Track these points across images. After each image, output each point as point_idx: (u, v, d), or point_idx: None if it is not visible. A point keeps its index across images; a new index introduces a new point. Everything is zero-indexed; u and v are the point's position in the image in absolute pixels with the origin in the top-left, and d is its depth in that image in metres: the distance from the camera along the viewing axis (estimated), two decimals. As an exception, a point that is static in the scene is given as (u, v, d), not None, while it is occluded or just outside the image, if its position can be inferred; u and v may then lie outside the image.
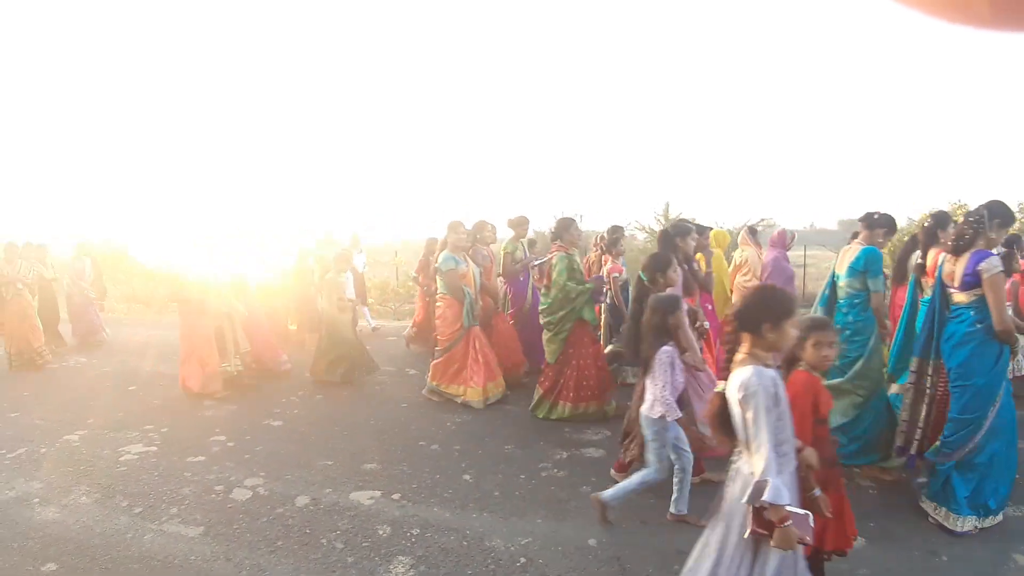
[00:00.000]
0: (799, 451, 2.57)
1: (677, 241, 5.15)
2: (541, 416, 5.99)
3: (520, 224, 7.78)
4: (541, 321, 6.09)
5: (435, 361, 6.73)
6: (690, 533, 3.86)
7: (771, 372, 2.42)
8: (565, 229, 6.05)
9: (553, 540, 3.82)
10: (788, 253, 8.01)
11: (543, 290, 6.17)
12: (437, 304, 6.76)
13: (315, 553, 3.71)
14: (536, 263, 8.04)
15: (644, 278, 4.49)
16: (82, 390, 7.40)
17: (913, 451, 4.33)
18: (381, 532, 3.93)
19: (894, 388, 4.84)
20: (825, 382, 4.49)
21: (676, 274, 4.55)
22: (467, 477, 4.75)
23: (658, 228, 17.34)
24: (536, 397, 6.12)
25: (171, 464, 5.06)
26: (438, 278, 6.66)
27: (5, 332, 8.72)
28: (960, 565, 3.52)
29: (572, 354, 5.90)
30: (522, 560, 3.60)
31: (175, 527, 4.06)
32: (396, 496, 4.43)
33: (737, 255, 7.81)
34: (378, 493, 4.48)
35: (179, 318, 7.29)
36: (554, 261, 5.92)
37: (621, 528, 3.96)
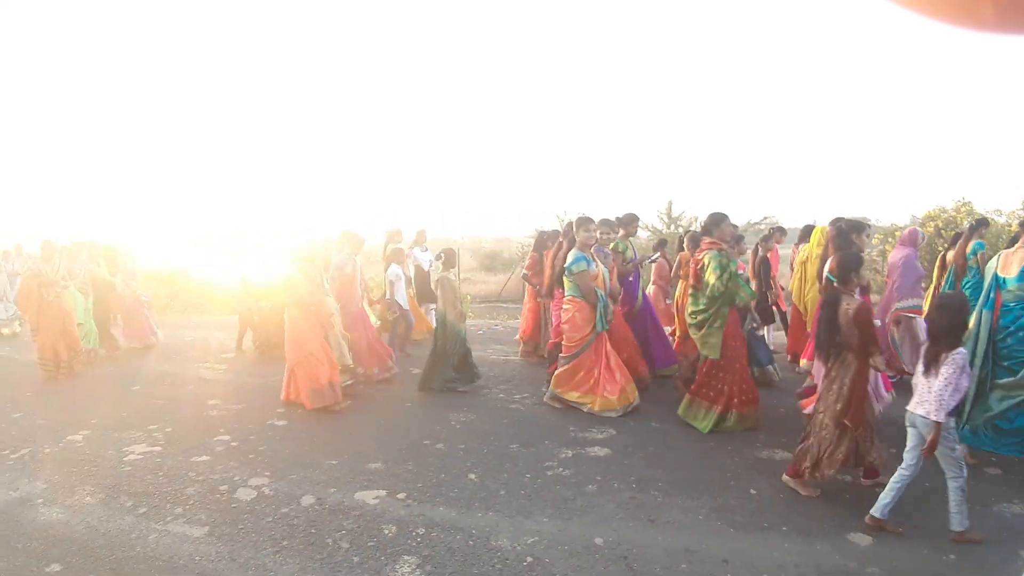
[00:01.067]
0: None
1: (852, 237, 5.03)
2: (708, 430, 5.52)
3: (630, 222, 7.54)
4: (691, 321, 5.71)
5: (560, 369, 6.26)
6: (698, 532, 3.86)
7: None
8: (716, 224, 5.65)
9: (559, 539, 3.79)
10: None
11: (690, 290, 5.81)
12: (564, 307, 6.25)
13: (320, 553, 3.69)
14: (649, 261, 8.00)
15: (833, 279, 4.31)
16: (85, 390, 7.39)
17: None
18: (387, 532, 3.91)
19: None
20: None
21: (867, 273, 4.39)
22: (472, 476, 4.73)
23: (661, 227, 17.37)
24: (700, 408, 5.67)
25: (175, 464, 5.05)
26: (566, 280, 6.18)
27: (39, 337, 8.14)
28: (968, 563, 3.49)
29: (735, 347, 5.57)
30: (528, 559, 3.58)
31: (180, 527, 4.05)
32: (401, 495, 4.41)
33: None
34: (383, 492, 4.46)
35: (289, 326, 6.56)
36: (707, 260, 5.53)
37: (628, 526, 3.94)
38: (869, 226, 5.68)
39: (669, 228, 17.03)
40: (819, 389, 4.46)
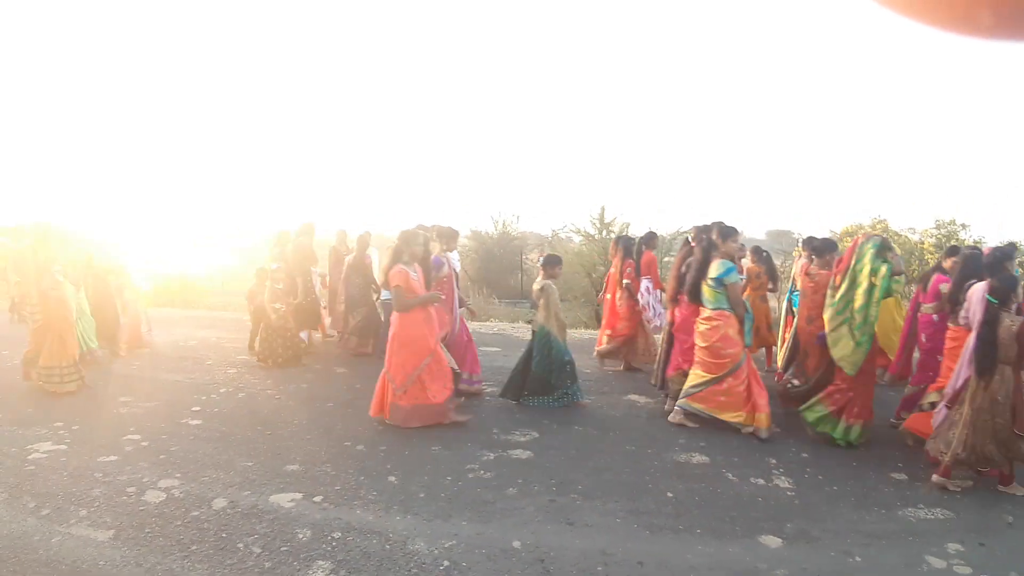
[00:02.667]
0: None
1: (1006, 264, 5.15)
2: (840, 438, 5.41)
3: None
4: (833, 328, 5.43)
5: (708, 389, 5.75)
6: (614, 535, 3.90)
7: None
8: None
9: (477, 543, 3.78)
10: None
11: (832, 293, 5.55)
12: (713, 323, 5.74)
13: (231, 558, 3.58)
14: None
15: (994, 300, 4.48)
16: (-12, 385, 7.00)
17: None
18: (301, 536, 3.83)
19: None
20: None
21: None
22: (392, 479, 4.67)
23: (593, 232, 17.47)
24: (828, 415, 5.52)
25: (81, 464, 4.83)
26: (713, 291, 5.74)
27: (36, 337, 6.89)
28: (874, 566, 3.63)
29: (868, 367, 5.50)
30: (445, 564, 3.56)
31: (84, 530, 3.87)
32: (318, 498, 4.33)
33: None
34: (299, 495, 4.37)
35: (398, 330, 5.73)
36: (875, 265, 5.33)
37: (547, 529, 3.96)
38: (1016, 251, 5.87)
39: (601, 234, 17.10)
40: (956, 395, 4.74)
